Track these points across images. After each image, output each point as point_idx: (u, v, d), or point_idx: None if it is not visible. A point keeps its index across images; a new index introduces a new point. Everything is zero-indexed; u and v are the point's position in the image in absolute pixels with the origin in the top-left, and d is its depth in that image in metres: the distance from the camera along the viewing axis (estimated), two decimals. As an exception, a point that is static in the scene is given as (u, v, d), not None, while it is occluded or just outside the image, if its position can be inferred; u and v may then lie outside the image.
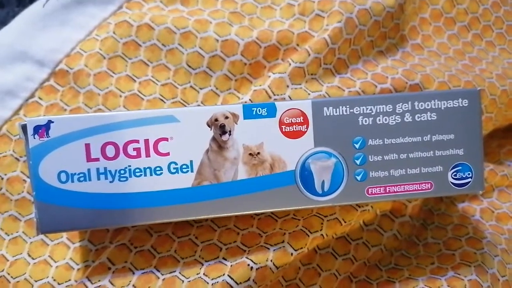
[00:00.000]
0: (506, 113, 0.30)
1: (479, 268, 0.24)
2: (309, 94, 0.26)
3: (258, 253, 0.22)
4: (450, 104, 0.21)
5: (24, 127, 0.19)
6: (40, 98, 0.27)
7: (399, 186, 0.21)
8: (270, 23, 0.28)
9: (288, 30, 0.27)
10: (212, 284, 0.21)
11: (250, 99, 0.25)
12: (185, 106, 0.27)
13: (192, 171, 0.20)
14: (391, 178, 0.21)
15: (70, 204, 0.20)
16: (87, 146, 0.20)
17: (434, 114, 0.21)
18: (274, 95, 0.25)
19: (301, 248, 0.23)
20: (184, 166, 0.20)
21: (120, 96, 0.26)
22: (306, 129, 0.21)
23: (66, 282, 0.24)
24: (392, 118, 0.21)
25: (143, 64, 0.27)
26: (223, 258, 0.22)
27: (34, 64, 0.27)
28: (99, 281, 0.22)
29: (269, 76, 0.26)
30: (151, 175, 0.20)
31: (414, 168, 0.21)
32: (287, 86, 0.26)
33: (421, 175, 0.21)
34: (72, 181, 0.20)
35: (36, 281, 0.24)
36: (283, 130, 0.21)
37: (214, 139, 0.20)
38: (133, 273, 0.22)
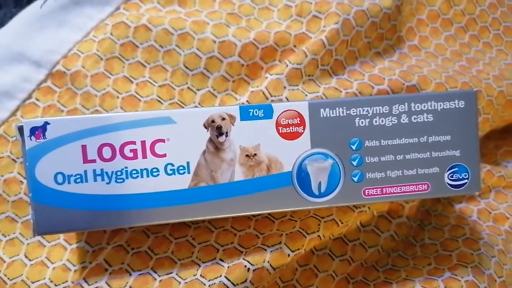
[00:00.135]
0: (503, 114, 0.30)
1: (476, 269, 0.24)
2: (306, 95, 0.26)
3: (255, 254, 0.22)
4: (446, 106, 0.21)
5: (20, 129, 0.19)
6: (37, 99, 0.27)
7: (396, 187, 0.21)
8: (268, 24, 0.28)
9: (285, 31, 0.27)
10: (209, 285, 0.21)
11: (247, 100, 0.25)
12: (183, 107, 0.27)
13: (188, 172, 0.20)
14: (388, 179, 0.21)
15: (67, 206, 0.20)
16: (84, 147, 0.20)
17: (431, 115, 0.21)
18: (271, 96, 0.25)
19: (298, 249, 0.23)
20: (180, 168, 0.20)
21: (117, 97, 0.26)
22: (302, 131, 0.21)
23: (63, 283, 0.24)
24: (388, 119, 0.21)
25: (140, 65, 0.27)
26: (220, 259, 0.22)
27: (31, 65, 0.27)
28: (96, 282, 0.22)
29: (266, 77, 0.26)
30: (147, 176, 0.20)
31: (411, 169, 0.21)
32: (284, 87, 0.26)
33: (417, 176, 0.21)
34: (69, 183, 0.20)
35: (33, 283, 0.24)
36: (280, 132, 0.21)
37: (210, 140, 0.20)
38: (130, 275, 0.22)
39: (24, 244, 0.25)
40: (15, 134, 0.20)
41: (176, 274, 0.22)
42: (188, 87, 0.27)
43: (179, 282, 0.22)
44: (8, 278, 0.24)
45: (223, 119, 0.20)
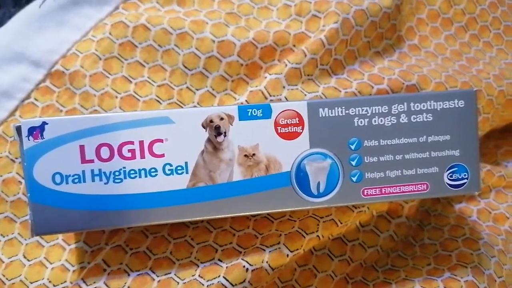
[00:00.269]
0: (503, 113, 0.30)
1: (476, 269, 0.24)
2: (305, 95, 0.26)
3: (253, 254, 0.22)
4: (446, 105, 0.21)
5: (18, 129, 0.19)
6: (36, 99, 0.27)
7: (395, 187, 0.21)
8: (267, 23, 0.28)
9: (284, 30, 0.27)
10: (207, 285, 0.21)
11: (246, 100, 0.25)
12: (182, 107, 0.27)
13: (187, 172, 0.20)
14: (387, 179, 0.21)
15: (65, 206, 0.20)
16: (82, 147, 0.20)
17: (430, 115, 0.21)
18: (270, 96, 0.25)
19: (297, 249, 0.23)
20: (179, 168, 0.20)
21: (116, 97, 0.26)
22: (301, 130, 0.21)
23: (61, 283, 0.24)
24: (387, 119, 0.21)
25: (139, 65, 0.27)
26: (219, 260, 0.22)
27: (30, 65, 0.27)
28: (94, 282, 0.22)
29: (265, 77, 0.26)
30: (146, 176, 0.20)
31: (410, 169, 0.21)
32: (283, 87, 0.26)
33: (417, 176, 0.21)
34: (67, 183, 0.20)
35: (31, 283, 0.24)
36: (279, 131, 0.21)
37: (209, 140, 0.20)
38: (128, 275, 0.22)
39: (23, 244, 0.25)
40: (13, 134, 0.20)
41: (175, 275, 0.22)
42: (187, 87, 0.27)
43: (178, 283, 0.22)
44: (7, 279, 0.24)
45: (222, 119, 0.20)
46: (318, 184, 0.21)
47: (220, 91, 0.27)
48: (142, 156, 0.20)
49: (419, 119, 0.21)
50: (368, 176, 0.21)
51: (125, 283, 0.22)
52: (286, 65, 0.26)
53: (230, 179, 0.20)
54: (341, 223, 0.24)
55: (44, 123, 0.19)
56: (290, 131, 0.21)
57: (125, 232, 0.24)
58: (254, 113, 0.21)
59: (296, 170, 0.21)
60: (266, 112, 0.21)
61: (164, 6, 0.29)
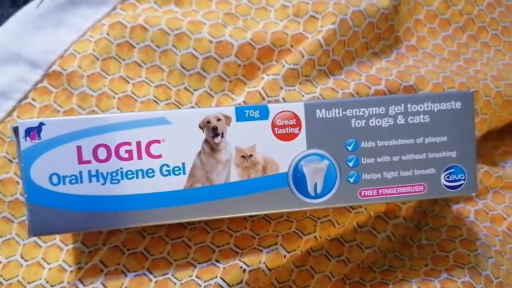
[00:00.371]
0: (501, 114, 0.30)
1: (473, 270, 0.24)
2: (303, 95, 0.26)
3: (251, 255, 0.22)
4: (443, 107, 0.21)
5: (15, 129, 0.19)
6: (33, 100, 0.27)
7: (392, 188, 0.21)
8: (264, 24, 0.28)
9: (282, 31, 0.27)
10: (205, 286, 0.21)
11: (243, 101, 0.25)
12: (179, 107, 0.27)
13: (184, 173, 0.20)
14: (384, 180, 0.21)
15: (62, 207, 0.20)
16: (79, 148, 0.20)
17: (427, 116, 0.21)
18: (268, 96, 0.25)
19: (294, 250, 0.23)
20: (176, 169, 0.20)
21: (114, 97, 0.26)
22: (298, 132, 0.21)
23: (59, 284, 0.24)
24: (385, 120, 0.21)
25: (137, 66, 0.27)
26: (216, 260, 0.22)
27: (27, 65, 0.27)
28: (91, 283, 0.22)
29: (263, 78, 0.26)
30: (143, 177, 0.20)
31: (407, 170, 0.21)
32: (281, 88, 0.26)
33: (414, 177, 0.21)
34: (64, 184, 0.20)
35: (29, 283, 0.24)
36: (276, 132, 0.21)
37: (206, 141, 0.20)
38: (126, 276, 0.22)
39: (20, 245, 0.25)
40: (11, 134, 0.20)
41: (172, 275, 0.22)
42: (185, 87, 0.27)
43: (175, 283, 0.22)
44: (4, 279, 0.24)
45: (219, 120, 0.20)
46: (315, 185, 0.21)
47: (218, 92, 0.27)
48: (139, 157, 0.20)
49: (416, 120, 0.21)
50: (365, 177, 0.21)
51: (122, 284, 0.22)
52: (283, 65, 0.26)
53: (227, 180, 0.20)
54: (338, 224, 0.24)
55: (41, 123, 0.19)
56: (287, 132, 0.21)
57: (122, 232, 0.24)
58: (252, 114, 0.21)
59: (293, 171, 0.21)
60: (264, 113, 0.21)
61: (162, 7, 0.29)
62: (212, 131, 0.20)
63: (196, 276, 0.22)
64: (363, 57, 0.28)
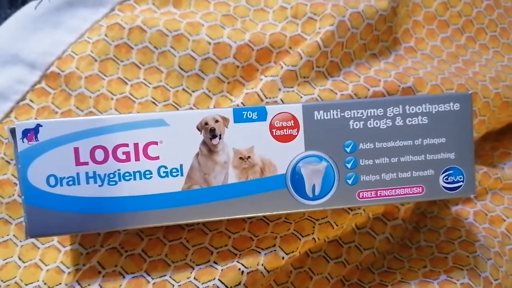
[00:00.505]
0: (499, 116, 0.30)
1: (472, 272, 0.24)
2: (301, 97, 0.26)
3: (249, 257, 0.22)
4: (441, 108, 0.21)
5: (13, 131, 0.19)
6: (31, 101, 0.27)
7: (390, 190, 0.21)
8: (263, 26, 0.28)
9: (280, 33, 0.27)
10: (203, 288, 0.21)
11: (242, 102, 0.25)
12: (177, 109, 0.27)
13: (182, 175, 0.20)
14: (382, 182, 0.21)
15: (59, 208, 0.20)
16: (76, 150, 0.19)
17: (426, 118, 0.21)
18: (266, 98, 0.25)
19: (293, 251, 0.23)
20: (174, 170, 0.20)
21: (112, 99, 0.26)
22: (296, 133, 0.21)
23: (56, 285, 0.24)
24: (383, 122, 0.21)
25: (135, 67, 0.27)
26: (214, 262, 0.22)
27: (25, 66, 0.27)
28: (89, 285, 0.22)
29: (261, 79, 0.26)
30: (140, 179, 0.20)
31: (405, 172, 0.21)
32: (279, 89, 0.26)
33: (412, 179, 0.21)
34: (61, 185, 0.19)
35: (26, 285, 0.24)
36: (274, 134, 0.21)
37: (204, 143, 0.20)
38: (124, 277, 0.22)
39: (18, 246, 0.25)
40: (8, 136, 0.20)
41: (170, 277, 0.22)
42: (183, 89, 0.27)
43: (173, 285, 0.22)
44: (2, 280, 0.24)
45: (217, 121, 0.20)
46: (314, 186, 0.21)
47: (216, 93, 0.27)
48: (137, 159, 0.20)
49: (415, 122, 0.21)
50: (363, 178, 0.21)
51: (120, 286, 0.22)
52: (282, 67, 0.26)
53: (225, 181, 0.20)
54: (336, 225, 0.24)
55: (39, 125, 0.19)
56: (286, 133, 0.21)
57: (120, 234, 0.24)
58: (250, 115, 0.20)
59: (291, 172, 0.21)
60: (262, 115, 0.21)
61: (160, 8, 0.29)
62: (210, 133, 0.20)
63: (194, 278, 0.22)
64: (361, 59, 0.28)
